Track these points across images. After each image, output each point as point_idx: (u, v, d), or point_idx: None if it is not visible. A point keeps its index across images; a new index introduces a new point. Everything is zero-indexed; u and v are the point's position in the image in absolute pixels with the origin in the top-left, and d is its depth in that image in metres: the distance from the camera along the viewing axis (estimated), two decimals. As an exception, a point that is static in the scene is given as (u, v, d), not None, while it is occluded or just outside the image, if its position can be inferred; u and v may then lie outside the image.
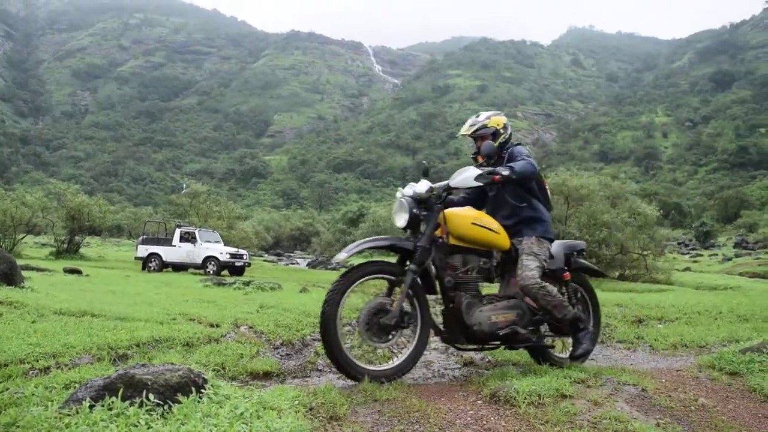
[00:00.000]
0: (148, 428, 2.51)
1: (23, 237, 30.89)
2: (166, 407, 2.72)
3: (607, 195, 30.97)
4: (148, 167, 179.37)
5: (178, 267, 25.83)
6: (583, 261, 5.34)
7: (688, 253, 54.87)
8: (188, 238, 25.79)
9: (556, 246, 5.01)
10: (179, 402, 2.77)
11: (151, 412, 2.65)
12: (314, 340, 7.07)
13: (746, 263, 42.49)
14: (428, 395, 3.93)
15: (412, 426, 3.13)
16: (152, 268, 25.38)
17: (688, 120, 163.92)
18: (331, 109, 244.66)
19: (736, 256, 48.57)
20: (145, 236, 29.27)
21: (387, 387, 4.13)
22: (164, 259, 25.69)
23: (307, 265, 46.63)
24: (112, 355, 4.63)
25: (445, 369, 5.29)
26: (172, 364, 3.14)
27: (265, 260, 49.58)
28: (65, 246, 31.74)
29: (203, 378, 3.01)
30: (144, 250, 26.38)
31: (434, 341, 7.04)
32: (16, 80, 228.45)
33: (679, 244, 62.48)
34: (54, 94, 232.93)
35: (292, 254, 70.18)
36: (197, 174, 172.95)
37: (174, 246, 25.75)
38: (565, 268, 5.01)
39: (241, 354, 5.46)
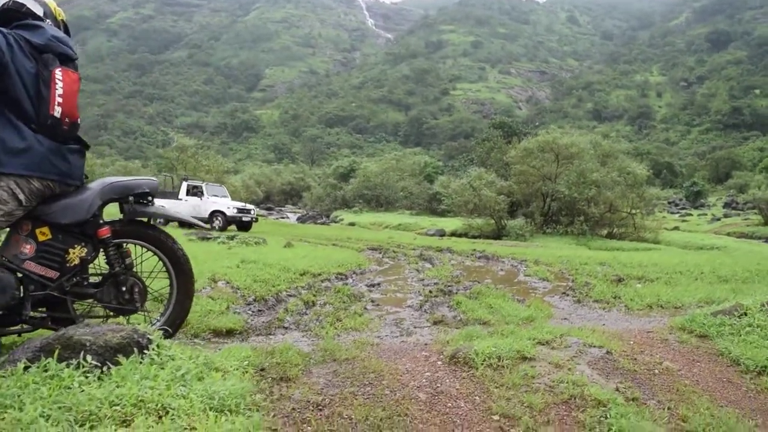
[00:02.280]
0: (81, 390, 2.41)
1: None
2: (105, 368, 2.63)
3: (598, 154, 30.88)
4: (139, 121, 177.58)
5: (184, 222, 24.72)
6: (152, 208, 3.92)
7: (678, 213, 55.05)
8: (195, 191, 25.03)
9: (90, 188, 3.65)
10: (119, 363, 2.67)
11: (88, 374, 2.56)
12: (289, 296, 7.01)
13: (734, 223, 42.68)
14: (390, 354, 3.85)
15: (363, 388, 3.06)
16: (159, 222, 24.57)
17: (683, 80, 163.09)
18: (323, 64, 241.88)
19: (725, 216, 48.75)
20: None
21: (348, 346, 4.06)
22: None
23: (297, 219, 46.61)
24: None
25: (415, 327, 5.21)
26: (118, 324, 3.04)
27: (255, 215, 49.51)
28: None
29: (148, 338, 2.90)
30: None
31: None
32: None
33: (669, 203, 62.55)
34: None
35: (282, 208, 70.11)
36: (188, 128, 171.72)
37: (180, 200, 24.91)
38: (102, 221, 3.68)
39: (210, 310, 5.38)
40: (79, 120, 3.60)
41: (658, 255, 15.16)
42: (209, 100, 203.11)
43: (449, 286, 8.25)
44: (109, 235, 3.68)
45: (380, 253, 15.27)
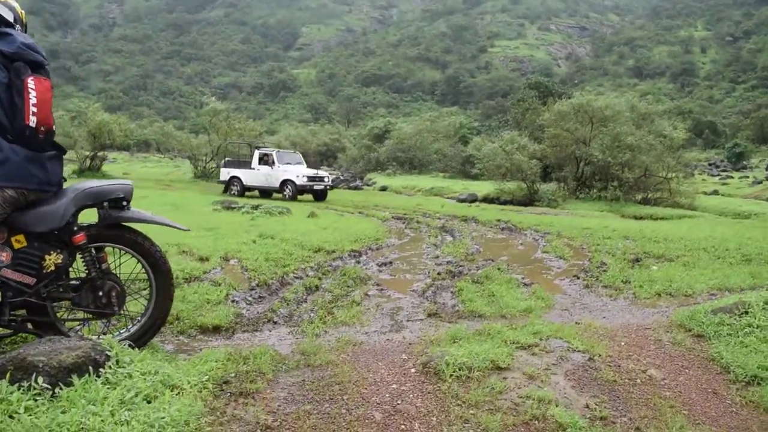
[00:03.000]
0: (28, 416, 2.42)
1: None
2: (57, 390, 2.63)
3: (634, 116, 30.15)
4: (177, 81, 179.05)
5: (263, 191, 24.82)
6: (128, 213, 3.88)
7: (719, 175, 53.69)
8: (266, 160, 24.25)
9: (65, 194, 3.65)
10: (72, 384, 2.68)
11: (37, 397, 2.57)
12: (296, 278, 7.01)
13: (777, 187, 41.50)
14: (368, 358, 3.82)
15: (321, 405, 3.02)
16: (233, 192, 24.54)
17: (729, 35, 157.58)
18: (360, 21, 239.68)
19: (767, 179, 47.40)
20: (227, 158, 28.36)
21: (329, 347, 4.03)
22: (245, 182, 24.67)
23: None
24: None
25: (408, 320, 5.15)
26: (82, 338, 3.05)
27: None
28: (88, 164, 32.03)
29: (106, 355, 2.90)
30: (226, 173, 25.61)
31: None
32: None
33: (710, 165, 61.13)
34: (82, 7, 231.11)
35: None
36: (226, 88, 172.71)
37: (253, 169, 24.53)
38: (76, 227, 3.68)
39: (208, 300, 5.39)
40: (54, 127, 3.59)
41: (687, 226, 14.80)
42: (246, 59, 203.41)
43: (460, 266, 8.18)
44: (84, 241, 3.72)
45: (404, 223, 15.22)
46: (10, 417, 2.42)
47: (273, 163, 23.90)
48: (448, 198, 30.38)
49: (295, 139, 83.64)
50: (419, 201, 25.25)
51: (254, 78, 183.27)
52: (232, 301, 5.60)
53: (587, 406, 3.12)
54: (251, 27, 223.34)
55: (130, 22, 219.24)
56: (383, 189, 38.44)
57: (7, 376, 2.62)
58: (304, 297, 6.01)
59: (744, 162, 61.94)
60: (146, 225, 3.96)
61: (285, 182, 23.30)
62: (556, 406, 3.03)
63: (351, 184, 43.16)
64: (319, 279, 6.88)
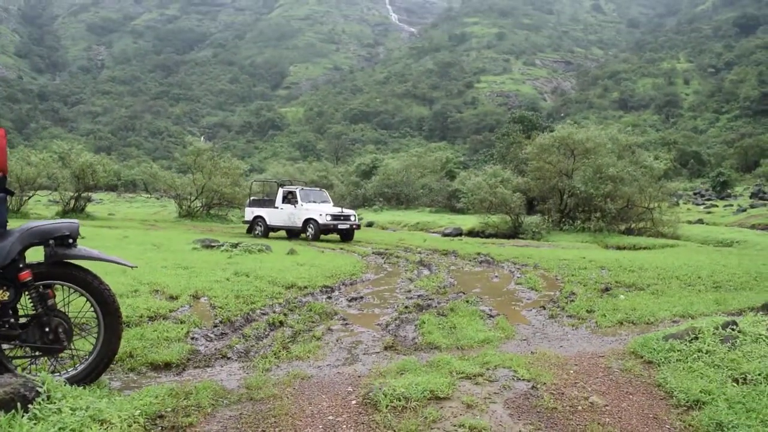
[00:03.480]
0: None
1: (30, 197, 31.05)
2: (-18, 427, 2.64)
3: (616, 148, 30.41)
4: (166, 121, 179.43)
5: (289, 231, 23.40)
6: (74, 251, 3.90)
7: (703, 204, 54.04)
8: (290, 198, 23.25)
9: (11, 233, 3.70)
10: (-2, 420, 2.68)
11: (-41, 435, 2.57)
12: (263, 314, 6.99)
13: (760, 214, 41.64)
14: (312, 391, 3.82)
15: (250, 439, 3.03)
16: (257, 233, 23.71)
17: (711, 66, 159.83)
18: (347, 60, 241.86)
19: (752, 206, 47.59)
20: (252, 197, 27.53)
21: (276, 381, 4.03)
22: (268, 222, 23.54)
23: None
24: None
25: (364, 354, 5.14)
26: (15, 374, 3.05)
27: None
28: (72, 205, 31.94)
29: (36, 391, 2.91)
30: (250, 213, 24.64)
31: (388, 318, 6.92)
32: (32, 36, 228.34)
33: (695, 194, 61.55)
34: (70, 50, 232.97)
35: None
36: (214, 127, 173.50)
37: (277, 208, 23.53)
38: (22, 265, 3.72)
39: (167, 337, 5.38)
40: (7, 173, 3.71)
41: (663, 256, 14.89)
42: (235, 99, 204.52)
43: (430, 299, 8.18)
44: (30, 279, 3.73)
45: (383, 258, 15.23)
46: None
47: (296, 201, 22.98)
48: (433, 232, 30.45)
49: (282, 177, 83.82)
50: (402, 236, 25.26)
51: (243, 117, 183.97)
52: (192, 338, 5.58)
53: (520, 434, 3.14)
54: (239, 67, 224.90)
55: (119, 64, 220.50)
56: (369, 225, 38.43)
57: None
58: (266, 333, 6.00)
59: (728, 190, 62.33)
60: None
61: (308, 221, 22.32)
62: (489, 433, 3.05)
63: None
64: (285, 315, 6.85)
